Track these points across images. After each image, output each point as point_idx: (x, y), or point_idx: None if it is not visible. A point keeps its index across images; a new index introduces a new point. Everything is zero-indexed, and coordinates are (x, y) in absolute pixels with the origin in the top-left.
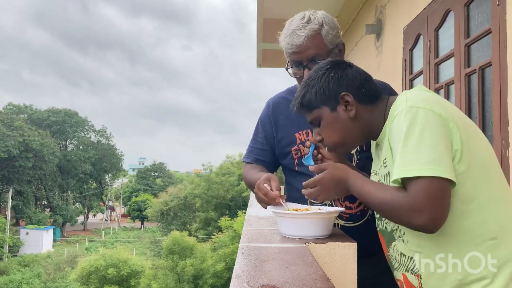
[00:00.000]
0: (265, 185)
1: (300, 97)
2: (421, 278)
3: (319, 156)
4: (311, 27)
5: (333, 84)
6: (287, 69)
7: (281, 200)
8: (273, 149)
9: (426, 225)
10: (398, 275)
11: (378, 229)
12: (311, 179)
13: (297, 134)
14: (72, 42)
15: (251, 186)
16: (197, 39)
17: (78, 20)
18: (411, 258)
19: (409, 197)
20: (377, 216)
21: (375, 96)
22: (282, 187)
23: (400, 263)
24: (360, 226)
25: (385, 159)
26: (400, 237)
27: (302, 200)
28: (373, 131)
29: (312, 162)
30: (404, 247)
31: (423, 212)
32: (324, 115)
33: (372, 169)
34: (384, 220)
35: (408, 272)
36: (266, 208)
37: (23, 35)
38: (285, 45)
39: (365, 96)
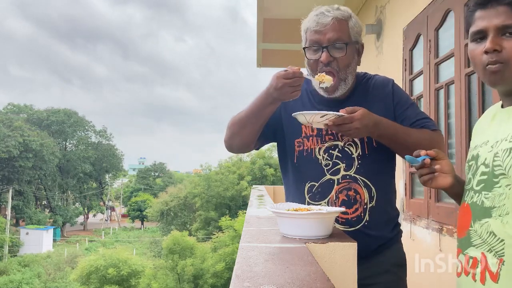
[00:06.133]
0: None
1: None
2: (503, 264)
3: (437, 167)
4: (340, 12)
5: None
6: (304, 48)
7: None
8: (270, 132)
9: None
10: (476, 252)
11: (467, 202)
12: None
13: (303, 127)
14: (61, 35)
15: (241, 118)
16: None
17: (67, 11)
18: (502, 240)
19: None
20: (477, 188)
21: None
22: (282, 187)
23: (484, 241)
24: (356, 231)
25: None
26: (500, 216)
27: (299, 198)
28: None
29: (416, 163)
30: (500, 228)
31: None
32: None
33: (480, 141)
34: (485, 193)
35: (491, 253)
36: (297, 96)
37: (8, 27)
38: (310, 24)
39: None
